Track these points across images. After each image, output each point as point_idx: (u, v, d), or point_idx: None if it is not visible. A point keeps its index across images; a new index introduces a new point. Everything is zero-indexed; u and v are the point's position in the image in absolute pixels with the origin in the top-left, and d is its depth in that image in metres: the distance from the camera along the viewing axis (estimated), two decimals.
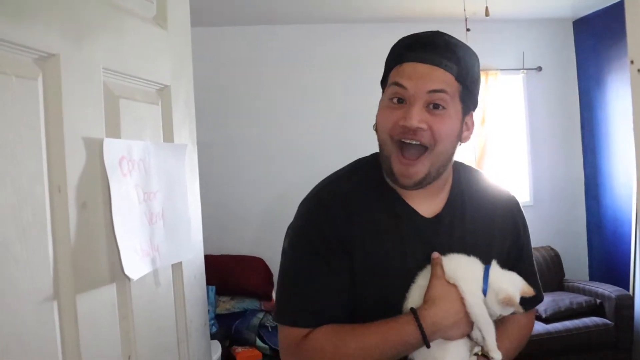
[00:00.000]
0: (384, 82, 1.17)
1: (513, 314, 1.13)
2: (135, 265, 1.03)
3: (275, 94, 4.30)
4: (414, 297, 1.11)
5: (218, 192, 3.98)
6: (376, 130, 1.15)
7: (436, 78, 1.08)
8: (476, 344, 1.11)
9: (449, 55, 1.09)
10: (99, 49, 1.00)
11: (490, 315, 1.09)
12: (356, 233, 1.12)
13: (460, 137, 1.15)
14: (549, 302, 3.76)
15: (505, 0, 3.76)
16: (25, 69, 0.84)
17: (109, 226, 0.99)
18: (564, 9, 4.32)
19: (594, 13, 4.37)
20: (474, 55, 1.15)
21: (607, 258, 4.39)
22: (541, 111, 4.58)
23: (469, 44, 1.15)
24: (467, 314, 1.08)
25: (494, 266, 1.12)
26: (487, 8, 3.02)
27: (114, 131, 1.04)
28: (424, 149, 1.09)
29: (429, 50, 1.09)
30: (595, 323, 3.65)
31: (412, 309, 1.08)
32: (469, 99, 1.13)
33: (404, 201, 1.16)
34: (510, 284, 1.10)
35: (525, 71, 4.51)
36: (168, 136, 1.25)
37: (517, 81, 4.58)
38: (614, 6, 4.05)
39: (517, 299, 1.08)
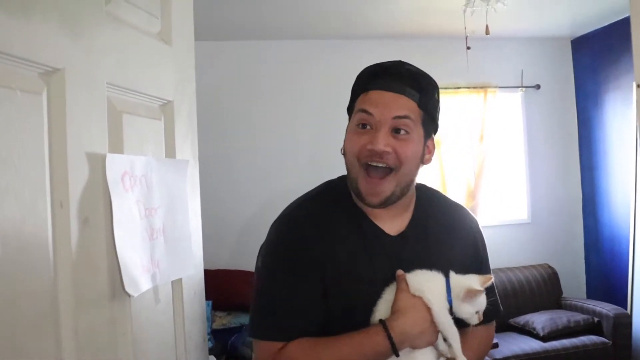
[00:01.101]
0: (350, 109, 1.25)
1: (479, 324, 1.20)
2: (135, 281, 1.02)
3: (273, 108, 4.31)
4: (381, 310, 1.17)
5: (214, 206, 3.95)
6: (344, 154, 1.23)
7: (400, 105, 1.16)
8: (441, 354, 1.18)
9: (411, 84, 1.18)
10: (103, 63, 1.00)
11: (468, 319, 1.17)
12: (327, 251, 1.18)
13: (422, 160, 1.23)
14: (547, 320, 3.76)
15: (505, 19, 3.79)
16: (30, 84, 0.84)
17: (110, 242, 0.98)
18: (562, 27, 4.36)
19: (592, 32, 4.41)
20: (434, 84, 1.24)
21: (604, 276, 4.39)
22: (539, 129, 4.61)
23: (469, 61, 1.21)
24: (432, 323, 1.15)
25: (452, 276, 1.19)
26: (487, 26, 3.05)
27: (116, 146, 1.04)
28: (389, 170, 1.16)
29: (393, 79, 1.18)
30: (593, 341, 3.65)
31: (380, 320, 1.14)
32: (430, 124, 1.22)
33: (370, 220, 1.24)
34: (468, 281, 1.18)
35: (523, 89, 4.54)
36: (170, 151, 1.24)
37: (515, 99, 4.61)
38: (611, 25, 4.09)
39: (480, 289, 1.16)
